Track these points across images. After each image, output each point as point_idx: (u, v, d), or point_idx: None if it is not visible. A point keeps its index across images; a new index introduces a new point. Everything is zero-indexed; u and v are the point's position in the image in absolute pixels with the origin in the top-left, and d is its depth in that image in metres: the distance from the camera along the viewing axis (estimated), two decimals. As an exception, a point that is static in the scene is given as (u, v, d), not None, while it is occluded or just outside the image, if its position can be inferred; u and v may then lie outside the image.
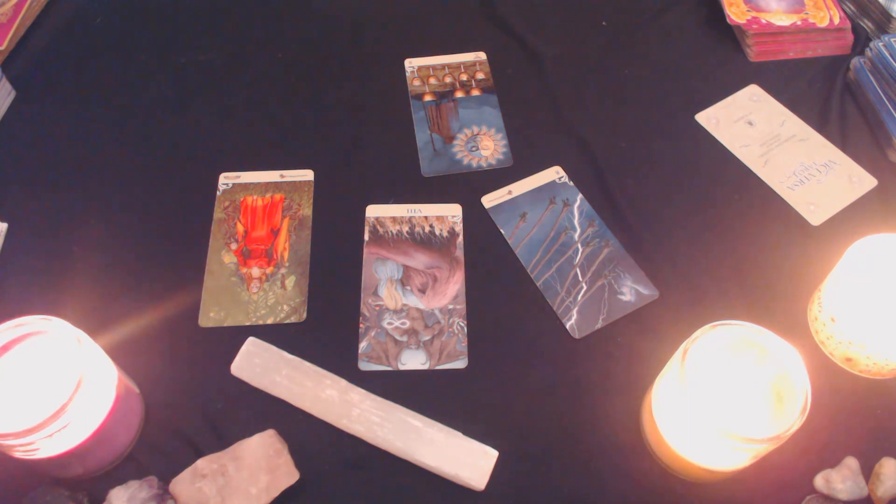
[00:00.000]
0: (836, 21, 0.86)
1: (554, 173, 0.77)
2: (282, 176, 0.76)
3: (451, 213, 0.74)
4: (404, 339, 0.66)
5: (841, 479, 0.57)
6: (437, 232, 0.72)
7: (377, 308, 0.67)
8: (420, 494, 0.58)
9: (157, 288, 0.68)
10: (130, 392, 0.59)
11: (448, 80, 0.85)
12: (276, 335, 0.65)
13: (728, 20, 0.87)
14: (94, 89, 0.85)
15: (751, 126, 0.81)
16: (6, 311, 0.58)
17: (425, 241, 0.72)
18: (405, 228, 0.72)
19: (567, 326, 0.66)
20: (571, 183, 0.76)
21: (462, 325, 0.66)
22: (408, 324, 0.66)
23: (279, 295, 0.68)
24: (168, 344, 0.65)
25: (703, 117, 0.82)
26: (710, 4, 0.92)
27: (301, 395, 0.61)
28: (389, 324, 0.66)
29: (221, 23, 0.92)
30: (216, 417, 0.61)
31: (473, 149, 0.79)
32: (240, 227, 0.72)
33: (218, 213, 0.73)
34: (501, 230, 0.73)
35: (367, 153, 0.79)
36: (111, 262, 0.70)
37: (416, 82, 0.85)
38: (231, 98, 0.84)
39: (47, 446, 0.51)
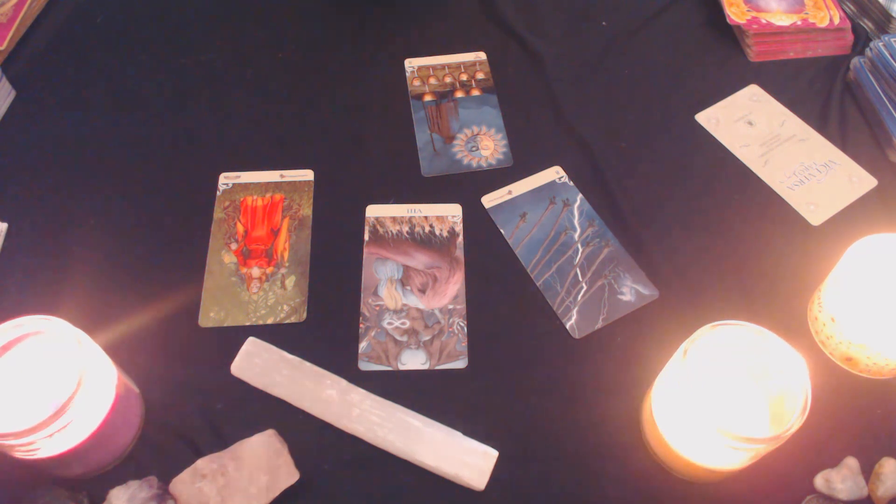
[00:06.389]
0: (836, 21, 0.86)
1: (554, 173, 0.77)
2: (282, 176, 0.76)
3: (451, 213, 0.74)
4: (404, 339, 0.66)
5: (841, 479, 0.57)
6: (437, 232, 0.72)
7: (377, 308, 0.67)
8: (420, 494, 0.58)
9: (157, 288, 0.68)
10: (130, 392, 0.59)
11: (448, 80, 0.85)
12: (276, 335, 0.65)
13: (728, 20, 0.87)
14: (94, 89, 0.85)
15: (751, 126, 0.81)
16: (6, 311, 0.57)
17: (425, 241, 0.72)
18: (405, 228, 0.72)
19: (567, 326, 0.66)
20: (571, 183, 0.76)
21: (462, 325, 0.66)
22: (408, 324, 0.66)
23: (279, 295, 0.68)
24: (168, 344, 0.65)
25: (703, 117, 0.82)
26: (710, 4, 0.92)
27: (301, 395, 0.61)
28: (389, 324, 0.66)
29: (221, 23, 0.92)
30: (216, 417, 0.61)
31: (473, 149, 0.79)
32: (240, 227, 0.72)
33: (218, 213, 0.73)
34: (501, 230, 0.73)
35: (367, 153, 0.79)
36: (111, 261, 0.70)
37: (416, 82, 0.85)
38: (231, 98, 0.84)
39: (47, 446, 0.51)
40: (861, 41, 0.87)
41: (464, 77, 0.86)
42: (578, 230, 0.72)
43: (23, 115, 0.82)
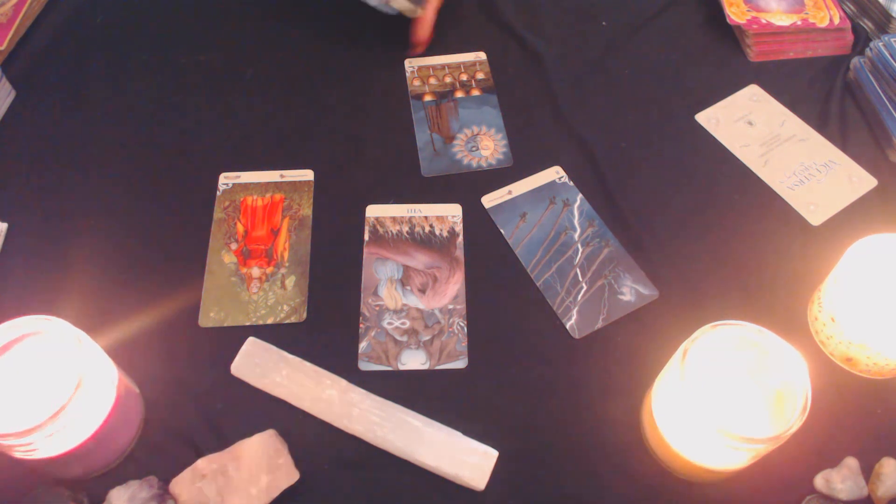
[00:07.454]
0: (836, 21, 0.86)
1: (554, 173, 0.77)
2: (282, 176, 0.76)
3: (451, 213, 0.74)
4: (404, 339, 0.66)
5: (841, 479, 0.57)
6: (437, 232, 0.72)
7: (377, 308, 0.67)
8: (420, 494, 0.58)
9: (157, 288, 0.68)
10: (130, 392, 0.59)
11: (448, 80, 0.85)
12: (276, 335, 0.65)
13: (728, 20, 0.87)
14: (94, 89, 0.85)
15: (751, 126, 0.81)
16: (6, 311, 0.57)
17: (425, 241, 0.72)
18: (405, 228, 0.72)
19: (567, 326, 0.66)
20: (571, 183, 0.76)
21: (462, 325, 0.66)
22: (408, 324, 0.66)
23: (279, 295, 0.68)
24: (168, 344, 0.65)
25: (703, 117, 0.82)
26: (710, 4, 0.92)
27: (301, 395, 0.61)
28: (389, 324, 0.66)
29: (221, 23, 0.92)
30: (216, 417, 0.61)
31: (473, 149, 0.79)
32: (240, 227, 0.72)
33: (218, 213, 0.73)
34: (501, 230, 0.73)
35: (367, 153, 0.79)
36: (111, 261, 0.70)
37: (416, 82, 0.85)
38: (231, 98, 0.84)
39: (47, 446, 0.51)
40: (861, 41, 0.87)
41: (464, 77, 0.86)
42: (578, 230, 0.72)
43: (23, 115, 0.82)
